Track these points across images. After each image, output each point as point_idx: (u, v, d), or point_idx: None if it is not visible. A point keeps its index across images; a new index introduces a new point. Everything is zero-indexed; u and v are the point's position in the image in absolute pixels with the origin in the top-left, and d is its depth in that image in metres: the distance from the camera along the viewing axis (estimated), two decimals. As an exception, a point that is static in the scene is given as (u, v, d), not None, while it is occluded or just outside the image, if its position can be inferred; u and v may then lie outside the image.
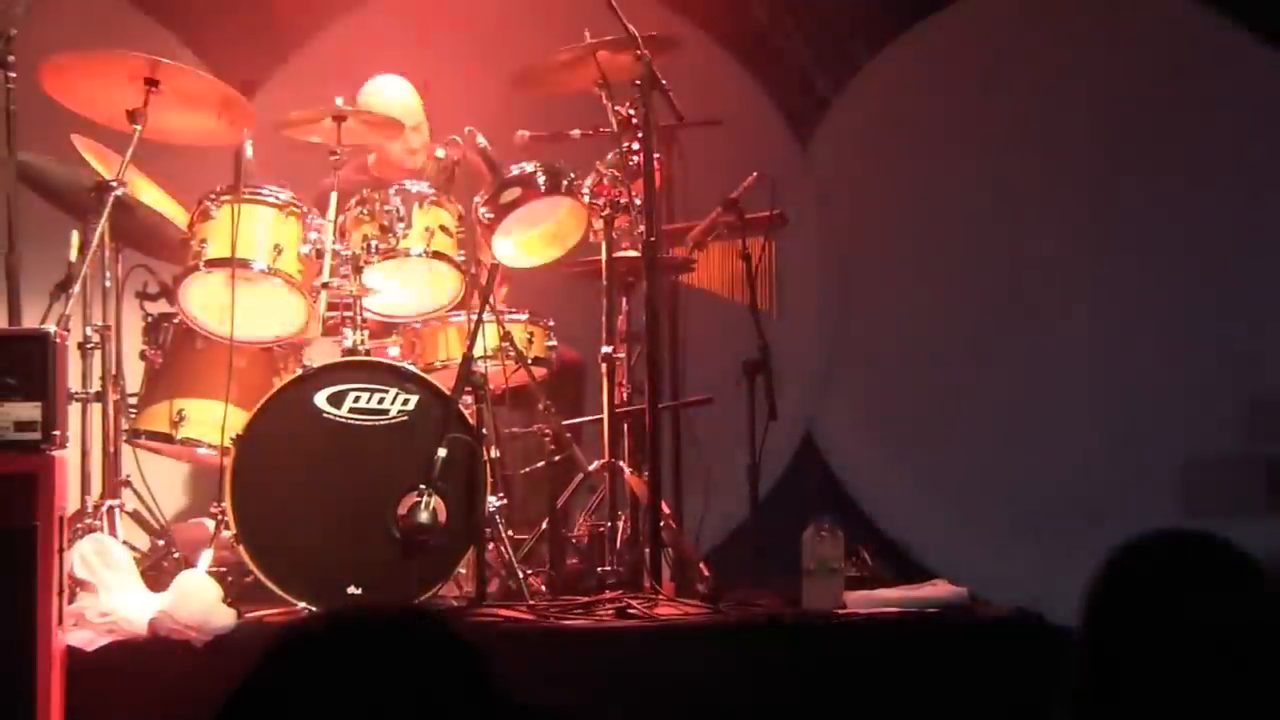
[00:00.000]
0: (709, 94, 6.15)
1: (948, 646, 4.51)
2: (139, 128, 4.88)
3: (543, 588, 4.90)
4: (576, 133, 5.45)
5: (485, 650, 1.62)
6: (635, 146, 5.10)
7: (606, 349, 5.20)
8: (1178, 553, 1.96)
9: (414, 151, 5.82)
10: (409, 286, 5.14)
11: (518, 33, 6.26)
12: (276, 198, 5.01)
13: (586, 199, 5.13)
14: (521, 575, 4.75)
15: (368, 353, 4.97)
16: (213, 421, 4.96)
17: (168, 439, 5.08)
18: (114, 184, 4.78)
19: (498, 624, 4.50)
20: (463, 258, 5.08)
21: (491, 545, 4.79)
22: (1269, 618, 1.91)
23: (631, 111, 5.11)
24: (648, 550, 4.90)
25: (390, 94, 5.75)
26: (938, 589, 4.87)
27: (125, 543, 4.84)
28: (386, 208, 5.02)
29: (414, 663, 1.55)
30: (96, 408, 5.05)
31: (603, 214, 5.15)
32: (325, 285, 4.97)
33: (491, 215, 5.09)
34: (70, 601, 4.33)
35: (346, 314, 5.00)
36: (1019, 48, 7.07)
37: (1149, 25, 7.08)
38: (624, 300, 5.37)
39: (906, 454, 6.97)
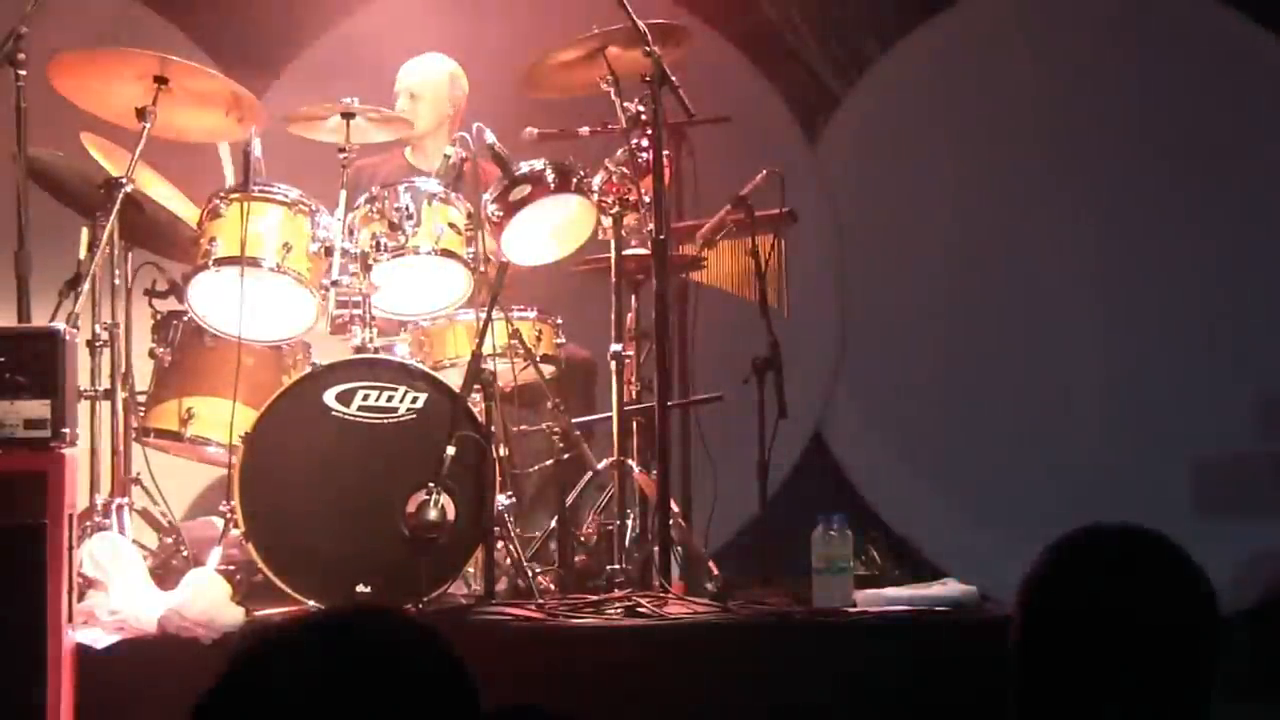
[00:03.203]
0: (719, 91, 6.14)
1: (958, 645, 4.50)
2: (148, 125, 4.89)
3: (551, 586, 4.90)
4: (586, 130, 5.45)
5: (475, 650, 1.62)
6: (645, 143, 5.09)
7: (616, 347, 5.19)
8: (1108, 545, 2.01)
9: (435, 118, 5.82)
10: (418, 284, 5.14)
11: (527, 30, 6.25)
12: (285, 196, 5.01)
13: (596, 196, 5.13)
14: (530, 574, 4.75)
15: (376, 351, 4.97)
16: (221, 419, 4.97)
17: (176, 437, 5.08)
18: (123, 181, 4.78)
19: (506, 623, 4.49)
20: (472, 256, 5.08)
21: (500, 544, 4.79)
22: (1196, 609, 1.96)
23: (641, 108, 5.11)
24: (657, 549, 4.89)
25: (425, 59, 5.82)
26: (948, 588, 4.86)
27: (134, 541, 4.84)
28: (396, 205, 5.02)
29: (376, 663, 1.56)
30: (106, 405, 5.06)
31: (612, 211, 5.15)
32: (334, 283, 4.96)
33: (501, 213, 5.09)
34: (80, 599, 4.33)
35: (355, 312, 5.00)
36: (1029, 45, 7.05)
37: (1161, 23, 7.06)
38: (633, 298, 5.37)
39: (916, 452, 6.96)
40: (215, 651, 4.26)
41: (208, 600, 4.41)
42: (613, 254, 5.18)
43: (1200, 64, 7.01)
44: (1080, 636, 1.93)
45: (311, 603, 4.57)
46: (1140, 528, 2.01)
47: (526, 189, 5.08)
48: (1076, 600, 1.95)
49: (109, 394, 5.04)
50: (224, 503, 4.84)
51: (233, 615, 4.40)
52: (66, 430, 4.05)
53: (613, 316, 5.21)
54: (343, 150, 5.11)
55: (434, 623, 1.66)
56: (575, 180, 5.10)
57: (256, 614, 4.50)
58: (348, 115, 5.12)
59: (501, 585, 4.80)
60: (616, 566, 5.01)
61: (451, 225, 5.06)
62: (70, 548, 4.07)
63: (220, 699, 1.55)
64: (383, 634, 1.58)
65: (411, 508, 4.61)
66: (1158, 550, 1.98)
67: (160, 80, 4.92)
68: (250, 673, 1.55)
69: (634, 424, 5.28)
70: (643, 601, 4.65)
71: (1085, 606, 1.94)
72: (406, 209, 5.01)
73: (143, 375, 5.18)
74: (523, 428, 5.36)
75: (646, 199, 5.08)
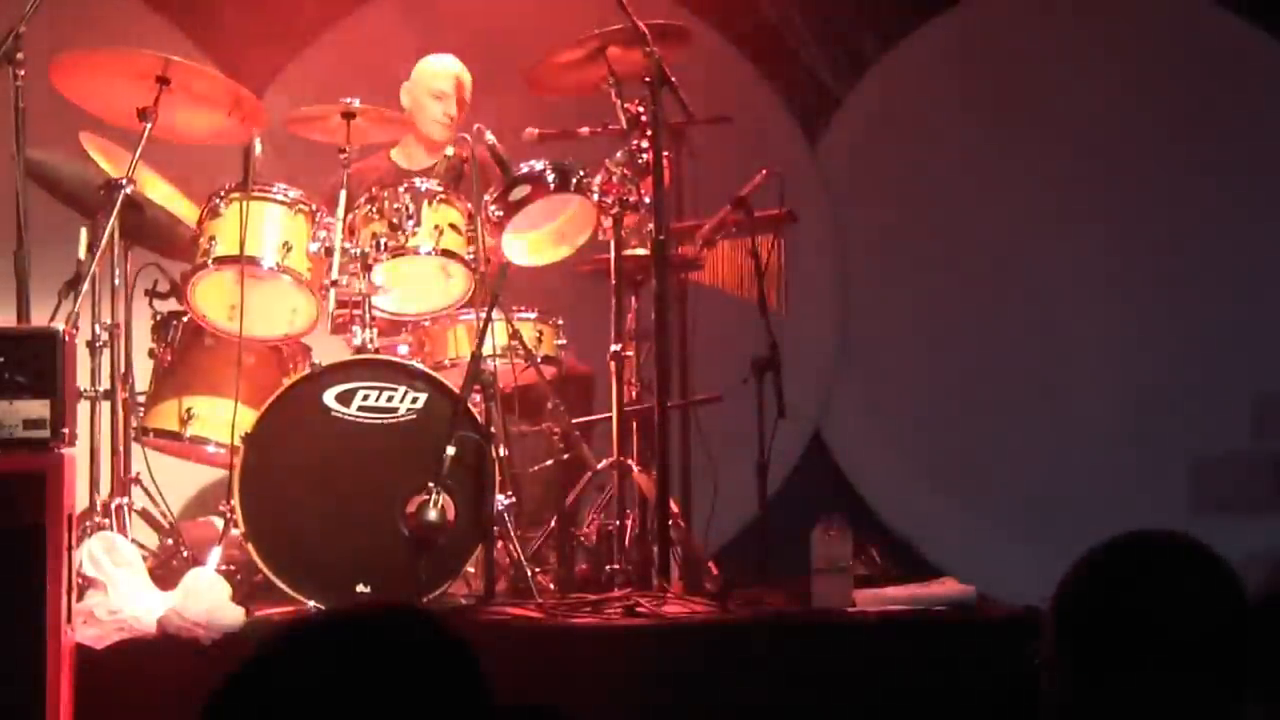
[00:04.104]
0: (719, 92, 6.14)
1: (956, 645, 4.50)
2: (149, 125, 4.88)
3: (551, 586, 4.90)
4: (586, 130, 5.45)
5: (476, 650, 1.61)
6: (644, 144, 5.09)
7: (615, 347, 5.20)
8: (1144, 552, 2.01)
9: (446, 124, 5.80)
10: (418, 284, 5.14)
11: (527, 30, 6.26)
12: (285, 195, 5.02)
13: (596, 197, 5.13)
14: (530, 574, 4.75)
15: (376, 351, 4.97)
16: (221, 419, 4.97)
17: (176, 437, 5.08)
18: (123, 182, 4.78)
19: (506, 622, 4.49)
20: (472, 256, 5.08)
21: (500, 544, 4.79)
22: (1232, 615, 1.97)
23: (641, 109, 5.11)
24: (656, 549, 4.89)
25: (440, 60, 5.79)
26: (946, 587, 4.86)
27: (134, 541, 4.84)
28: (396, 205, 5.02)
29: (401, 661, 1.55)
30: (106, 406, 5.06)
31: (612, 212, 5.15)
32: (334, 283, 4.97)
33: (501, 213, 5.09)
34: (79, 599, 4.33)
35: (355, 312, 5.00)
36: (1029, 46, 7.06)
37: (1161, 23, 7.06)
38: (633, 298, 5.37)
39: (915, 452, 6.96)
40: (215, 652, 4.26)
41: (207, 601, 4.40)
42: (613, 254, 5.18)
43: (1202, 65, 7.01)
44: (1117, 643, 1.93)
45: (311, 603, 4.58)
46: (1175, 533, 2.01)
47: (526, 189, 5.08)
48: (1113, 607, 1.95)
49: (109, 394, 5.04)
50: (224, 503, 4.84)
51: (233, 615, 4.40)
52: (66, 430, 4.05)
53: (613, 317, 5.21)
54: (343, 150, 5.11)
55: (449, 620, 1.65)
56: (575, 180, 5.10)
57: (256, 614, 4.50)
58: (348, 115, 5.12)
59: (501, 585, 4.81)
60: (616, 566, 5.01)
61: (452, 225, 5.06)
62: (70, 548, 4.07)
63: (230, 697, 1.54)
64: (397, 632, 1.58)
65: (411, 508, 4.61)
66: (1193, 556, 1.98)
67: (162, 80, 4.92)
68: (261, 671, 1.55)
69: (634, 424, 5.28)
70: (642, 601, 4.65)
71: (1122, 613, 1.94)
72: (406, 209, 5.01)
73: (143, 375, 5.18)
74: (523, 428, 5.37)
75: (646, 199, 5.08)
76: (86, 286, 4.71)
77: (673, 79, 5.06)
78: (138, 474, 5.11)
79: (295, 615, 4.52)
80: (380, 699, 1.53)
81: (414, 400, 4.75)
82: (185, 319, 5.13)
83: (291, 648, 1.56)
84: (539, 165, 5.11)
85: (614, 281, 5.20)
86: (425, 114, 5.82)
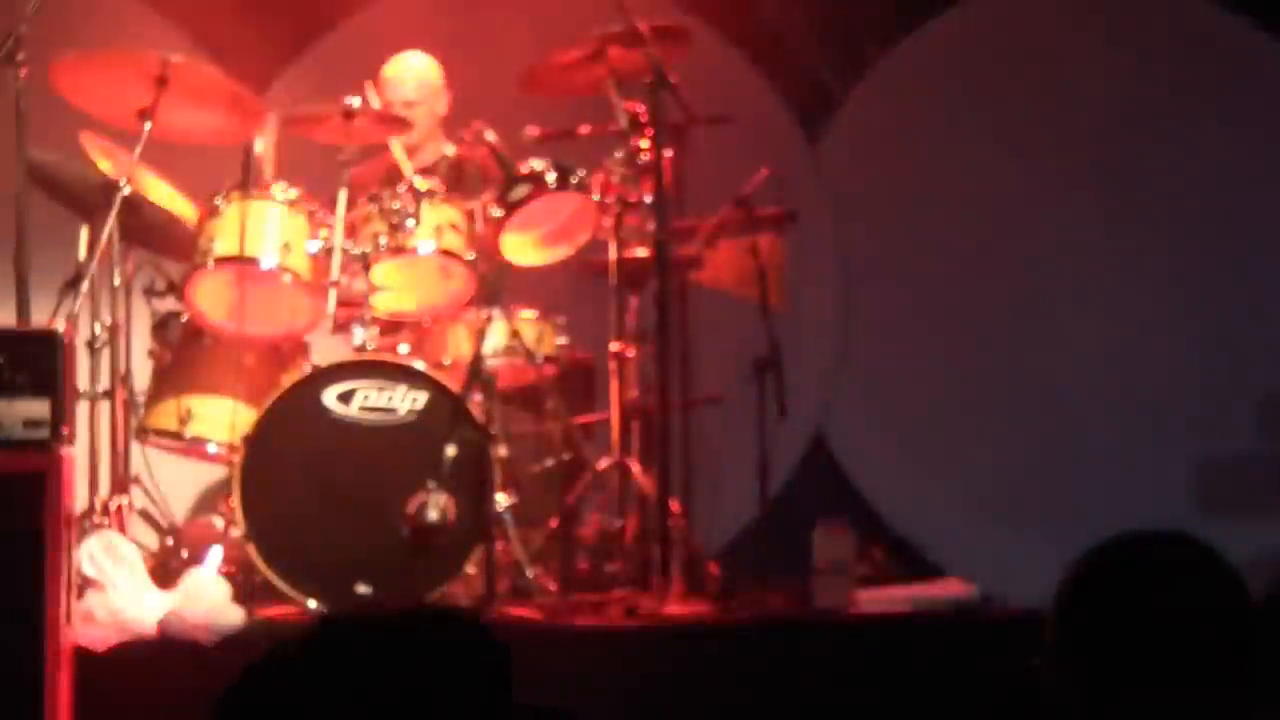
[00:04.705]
0: (719, 91, 6.13)
1: (959, 645, 4.50)
2: (149, 125, 4.88)
3: (552, 587, 4.89)
4: (586, 129, 5.44)
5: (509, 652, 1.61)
6: (645, 144, 5.09)
7: (615, 347, 5.19)
8: (1146, 551, 2.00)
9: (430, 122, 5.75)
10: (418, 284, 5.13)
11: (528, 29, 6.25)
12: (285, 195, 5.01)
13: (596, 197, 5.13)
14: (530, 574, 4.74)
15: (377, 351, 4.96)
16: (221, 419, 4.96)
17: (176, 437, 5.07)
18: (122, 182, 4.78)
19: (507, 623, 4.49)
20: (472, 255, 5.07)
21: (501, 544, 4.79)
22: (1235, 614, 1.96)
23: (641, 109, 5.11)
24: (657, 549, 4.88)
25: (411, 63, 5.74)
26: (949, 587, 4.87)
27: (134, 541, 4.84)
28: (396, 205, 5.01)
29: (443, 662, 1.55)
30: (105, 405, 5.05)
31: (612, 212, 5.14)
32: (334, 283, 4.96)
33: (501, 212, 5.09)
34: (79, 599, 4.32)
35: (356, 312, 5.00)
36: (1030, 46, 7.05)
37: (1163, 24, 7.05)
38: (633, 298, 5.37)
39: (917, 452, 6.95)
40: (216, 654, 4.25)
41: (208, 603, 4.40)
42: (613, 254, 5.18)
43: (1204, 65, 7.00)
44: (1119, 642, 1.92)
45: (311, 603, 4.57)
46: (1178, 533, 2.00)
47: (526, 189, 5.08)
48: (1116, 606, 1.94)
49: (109, 394, 5.03)
50: (224, 503, 4.83)
51: (232, 616, 4.39)
52: (66, 430, 4.05)
53: (613, 317, 5.21)
54: (342, 150, 5.10)
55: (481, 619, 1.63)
56: (575, 180, 5.10)
57: (256, 615, 4.50)
58: (348, 115, 5.11)
59: (502, 586, 4.80)
60: (616, 567, 5.01)
61: (452, 225, 5.06)
62: (70, 548, 4.07)
63: (240, 696, 1.53)
64: (434, 632, 1.56)
65: (412, 508, 4.60)
66: (1196, 556, 1.97)
67: (161, 81, 4.92)
68: (284, 669, 1.54)
69: (634, 424, 5.28)
70: (642, 602, 4.64)
71: (1125, 613, 1.93)
72: (407, 208, 5.01)
73: (142, 375, 5.18)
74: (523, 428, 5.36)
75: (646, 199, 5.08)
76: (86, 286, 4.71)
77: (672, 80, 5.05)
78: (137, 474, 5.10)
79: (318, 615, 4.51)
80: (412, 698, 1.52)
81: (414, 400, 4.74)
82: (185, 319, 5.12)
83: (320, 646, 1.55)
84: (539, 165, 5.10)
85: (614, 281, 5.19)
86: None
